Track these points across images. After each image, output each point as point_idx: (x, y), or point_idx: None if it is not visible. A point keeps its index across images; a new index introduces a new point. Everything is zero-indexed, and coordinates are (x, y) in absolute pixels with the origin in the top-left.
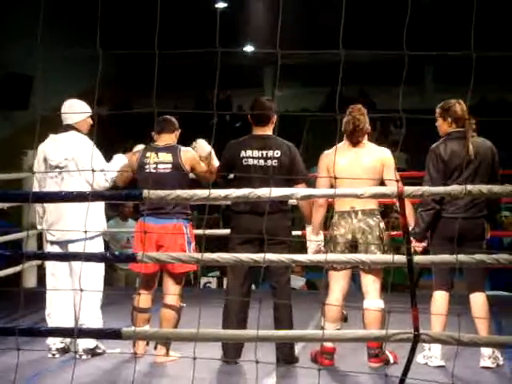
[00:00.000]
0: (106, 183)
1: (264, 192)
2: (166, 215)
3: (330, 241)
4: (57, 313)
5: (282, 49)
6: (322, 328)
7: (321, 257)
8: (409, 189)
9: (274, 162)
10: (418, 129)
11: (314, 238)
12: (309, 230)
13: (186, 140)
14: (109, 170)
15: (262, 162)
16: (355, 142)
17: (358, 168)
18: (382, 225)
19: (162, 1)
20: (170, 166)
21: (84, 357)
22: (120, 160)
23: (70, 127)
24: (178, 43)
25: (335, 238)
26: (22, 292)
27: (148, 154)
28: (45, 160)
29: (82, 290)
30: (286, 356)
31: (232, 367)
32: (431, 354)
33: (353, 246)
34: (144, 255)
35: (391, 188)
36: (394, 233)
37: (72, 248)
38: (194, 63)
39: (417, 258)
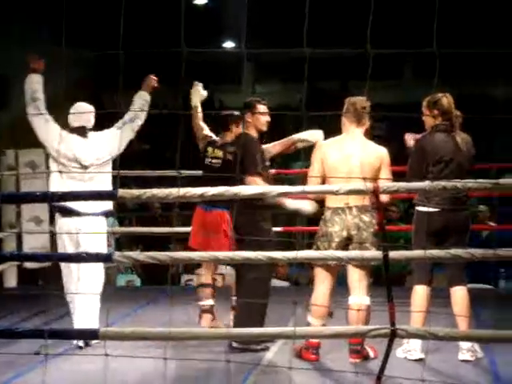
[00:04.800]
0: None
1: (240, 190)
2: (214, 203)
3: (323, 237)
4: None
5: (262, 45)
6: (308, 324)
7: (294, 254)
8: (384, 185)
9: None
10: (402, 122)
11: (299, 202)
12: (289, 201)
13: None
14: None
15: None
16: (359, 122)
17: (355, 162)
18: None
19: None
20: (220, 161)
21: (81, 344)
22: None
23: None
24: (158, 39)
25: (330, 235)
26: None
27: (208, 149)
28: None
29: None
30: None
31: (212, 365)
32: (410, 348)
33: (347, 243)
34: (119, 255)
35: (366, 184)
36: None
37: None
38: (173, 60)
39: (392, 254)
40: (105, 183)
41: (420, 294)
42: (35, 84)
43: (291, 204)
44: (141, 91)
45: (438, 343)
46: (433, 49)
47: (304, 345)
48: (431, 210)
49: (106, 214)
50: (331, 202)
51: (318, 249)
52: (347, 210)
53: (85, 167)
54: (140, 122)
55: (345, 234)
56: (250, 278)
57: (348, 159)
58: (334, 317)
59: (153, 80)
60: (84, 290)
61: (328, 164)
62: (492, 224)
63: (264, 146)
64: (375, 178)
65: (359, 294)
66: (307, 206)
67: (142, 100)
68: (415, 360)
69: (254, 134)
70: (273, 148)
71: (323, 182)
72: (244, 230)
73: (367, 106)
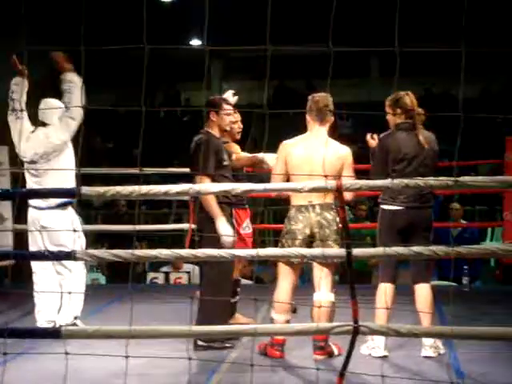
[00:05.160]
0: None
1: (203, 187)
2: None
3: (288, 235)
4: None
5: (230, 43)
6: (272, 319)
7: (255, 251)
8: (347, 183)
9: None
10: (365, 120)
11: (227, 230)
12: (221, 223)
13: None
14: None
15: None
16: (322, 120)
17: (318, 161)
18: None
19: None
20: None
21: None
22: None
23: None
24: (125, 37)
25: (294, 232)
26: None
27: None
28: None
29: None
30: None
31: (177, 363)
32: (374, 345)
33: (310, 241)
34: (82, 253)
35: (330, 182)
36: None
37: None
38: (139, 58)
39: (355, 252)
40: (58, 179)
41: (384, 291)
42: (14, 85)
43: (219, 225)
44: (62, 75)
45: (403, 340)
46: (394, 47)
47: (269, 342)
48: (396, 208)
49: (64, 205)
50: (295, 200)
51: (282, 246)
52: (310, 208)
53: (30, 162)
54: (74, 108)
55: (308, 231)
56: (212, 275)
57: (311, 158)
58: (299, 313)
59: (58, 56)
60: (65, 284)
61: (291, 162)
62: (464, 222)
63: (241, 154)
64: (338, 176)
65: (323, 290)
66: (228, 239)
67: (65, 85)
68: (379, 357)
69: (216, 133)
70: (242, 158)
71: (287, 181)
72: (202, 228)
73: (330, 104)
